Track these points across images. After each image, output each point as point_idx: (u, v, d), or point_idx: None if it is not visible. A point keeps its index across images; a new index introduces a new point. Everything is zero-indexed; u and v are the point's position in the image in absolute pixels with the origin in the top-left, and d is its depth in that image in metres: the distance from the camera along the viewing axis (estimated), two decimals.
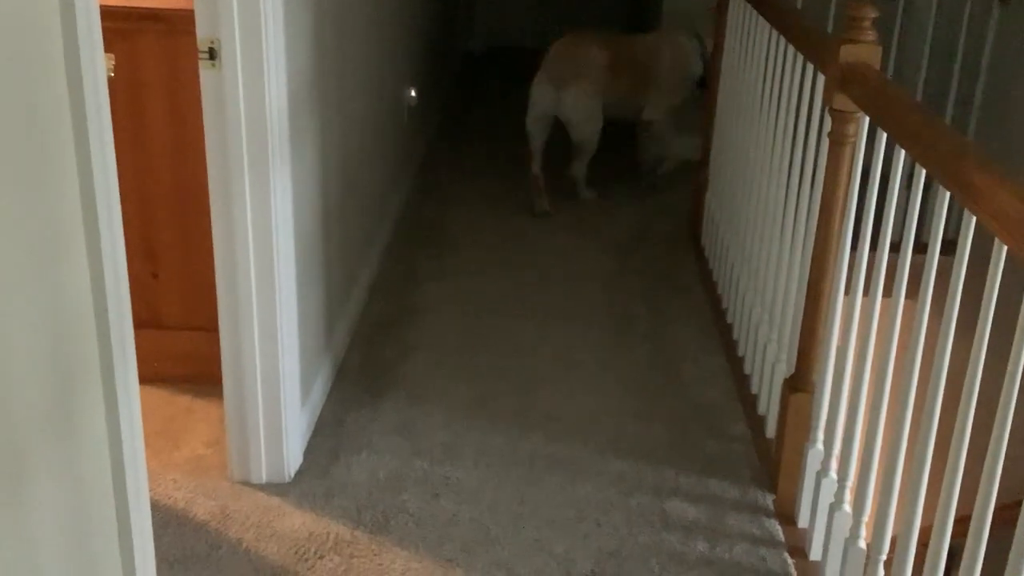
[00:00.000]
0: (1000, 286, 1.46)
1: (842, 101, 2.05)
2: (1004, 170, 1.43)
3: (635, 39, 4.42)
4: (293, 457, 2.43)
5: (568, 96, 4.10)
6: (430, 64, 5.11)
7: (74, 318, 1.38)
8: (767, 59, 2.86)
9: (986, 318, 1.45)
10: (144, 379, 2.65)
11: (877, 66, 2.04)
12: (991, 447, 1.45)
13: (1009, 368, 1.37)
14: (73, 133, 1.35)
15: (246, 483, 2.40)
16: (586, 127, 4.17)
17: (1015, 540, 1.38)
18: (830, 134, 2.15)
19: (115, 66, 2.09)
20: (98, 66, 1.42)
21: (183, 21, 2.32)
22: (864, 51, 2.03)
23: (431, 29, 5.11)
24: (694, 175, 3.98)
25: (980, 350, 1.48)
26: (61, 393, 1.34)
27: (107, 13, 2.45)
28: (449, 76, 6.17)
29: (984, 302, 1.43)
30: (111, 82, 2.12)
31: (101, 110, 1.41)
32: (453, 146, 5.18)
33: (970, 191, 1.47)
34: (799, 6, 3.43)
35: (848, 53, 2.03)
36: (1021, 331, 1.37)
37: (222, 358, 2.35)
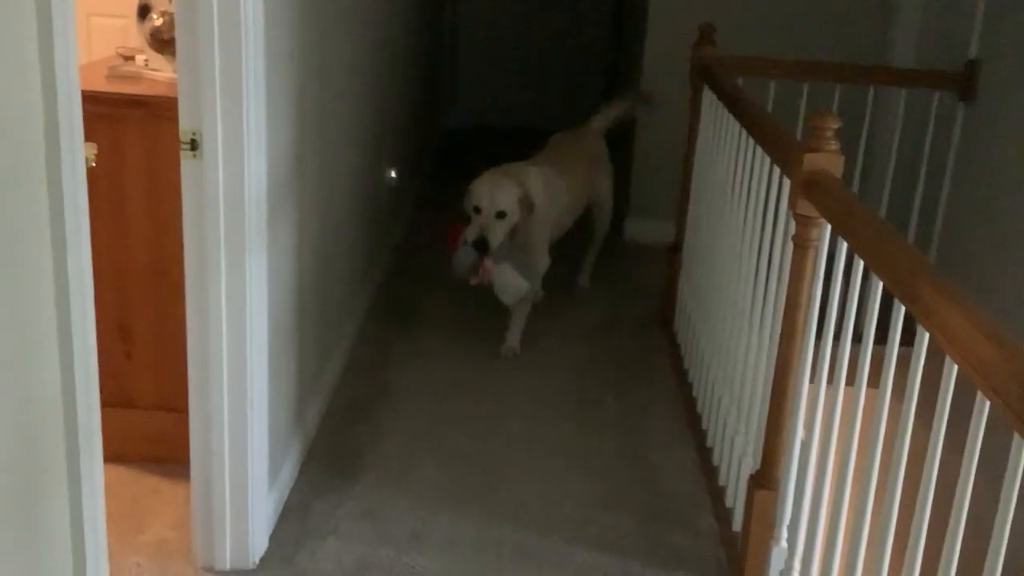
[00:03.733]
0: (958, 380, 1.49)
1: (805, 207, 2.12)
2: (955, 290, 1.48)
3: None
4: (258, 543, 2.42)
5: None
6: (411, 142, 5.20)
7: (41, 407, 1.39)
8: (737, 154, 2.94)
9: (937, 439, 1.49)
10: (112, 458, 2.67)
11: (839, 175, 2.11)
12: (944, 550, 1.48)
13: (959, 487, 1.41)
14: (50, 225, 1.38)
15: (210, 569, 2.38)
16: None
17: None
18: (794, 237, 2.21)
19: (97, 153, 2.12)
20: (78, 157, 1.46)
21: (166, 108, 2.37)
22: (826, 160, 2.10)
23: (412, 107, 5.21)
24: (668, 259, 4.04)
25: (933, 465, 1.51)
26: (25, 481, 1.35)
27: (92, 98, 2.52)
28: (430, 154, 6.27)
29: (936, 422, 1.47)
30: (93, 168, 2.17)
31: (79, 203, 1.45)
32: (431, 225, 5.24)
33: (923, 310, 1.52)
34: (770, 108, 3.54)
35: (811, 161, 2.10)
36: (970, 445, 1.41)
37: (190, 439, 2.35)
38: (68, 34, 1.39)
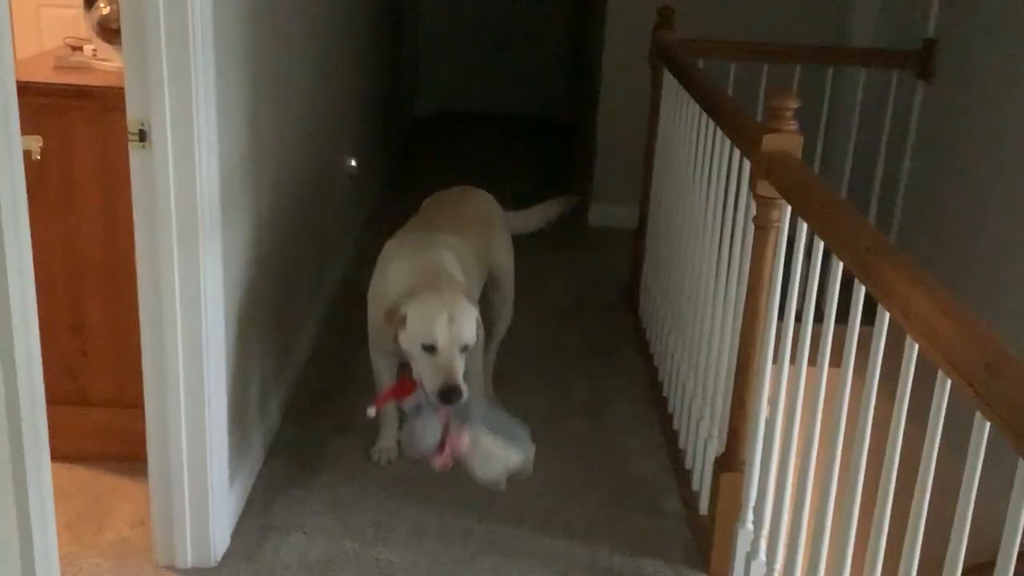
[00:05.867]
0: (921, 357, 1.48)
1: (765, 188, 2.11)
2: (914, 268, 1.47)
3: None
4: (220, 539, 2.38)
5: None
6: (373, 130, 5.15)
7: None
8: (698, 137, 2.93)
9: (899, 417, 1.48)
10: (71, 457, 2.65)
11: (798, 155, 2.10)
12: (909, 526, 1.47)
13: (922, 467, 1.40)
14: None
15: (171, 567, 2.34)
16: None
17: None
18: (755, 218, 2.20)
19: (43, 146, 2.06)
20: (13, 146, 1.40)
21: (114, 98, 2.31)
22: (786, 140, 2.09)
23: (373, 95, 5.15)
24: (632, 244, 4.03)
25: (896, 444, 1.51)
26: None
27: (37, 90, 2.47)
28: (394, 141, 6.21)
29: (897, 400, 1.46)
30: (40, 161, 2.11)
31: (16, 195, 1.39)
32: (395, 211, 5.18)
33: (882, 289, 1.51)
34: (730, 90, 3.53)
35: (770, 142, 2.09)
36: (933, 421, 1.41)
37: (147, 437, 2.31)
38: None
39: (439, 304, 2.43)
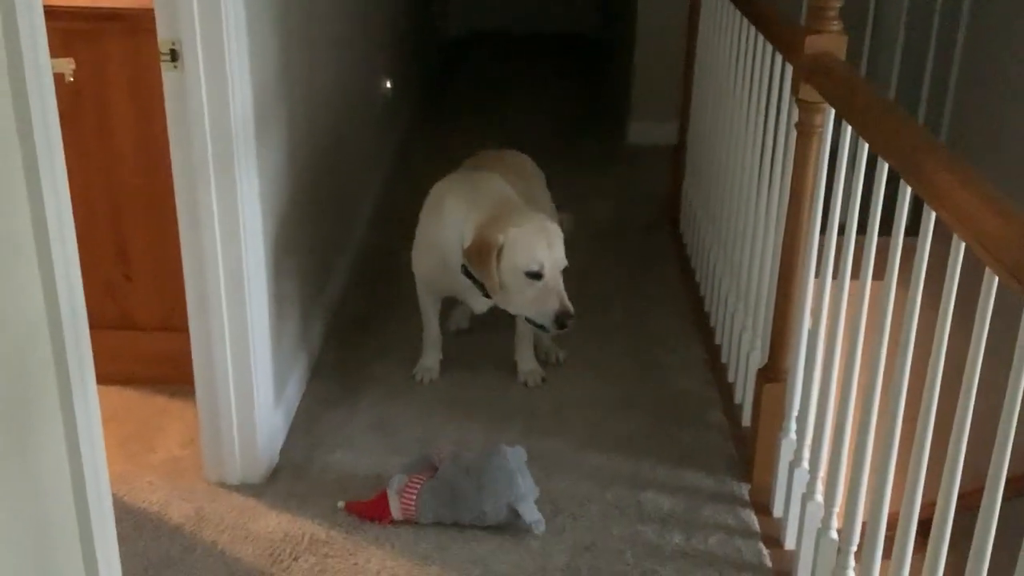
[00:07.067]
0: (965, 261, 1.45)
1: (808, 92, 2.05)
2: (962, 164, 1.43)
3: None
4: (268, 457, 2.43)
5: None
6: (405, 51, 5.09)
7: (25, 331, 1.36)
8: (738, 45, 2.85)
9: (946, 312, 1.45)
10: (119, 381, 2.70)
11: (843, 56, 2.03)
12: (954, 430, 1.45)
13: (969, 357, 1.38)
14: (19, 141, 1.32)
15: (222, 484, 2.39)
16: None
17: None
18: (797, 124, 2.15)
19: (76, 69, 2.06)
20: (43, 70, 1.39)
21: (145, 19, 2.29)
22: (830, 41, 2.03)
23: (405, 15, 5.08)
24: (672, 160, 3.97)
25: (942, 343, 1.48)
26: (14, 404, 1.33)
27: (68, 14, 2.45)
28: (426, 62, 6.14)
29: (944, 297, 1.43)
30: (74, 85, 2.10)
31: (48, 116, 1.38)
32: (430, 133, 5.16)
33: (930, 188, 1.47)
34: None
35: (813, 44, 2.03)
36: (979, 324, 1.38)
37: (193, 358, 2.34)
38: None
39: (536, 227, 2.48)
